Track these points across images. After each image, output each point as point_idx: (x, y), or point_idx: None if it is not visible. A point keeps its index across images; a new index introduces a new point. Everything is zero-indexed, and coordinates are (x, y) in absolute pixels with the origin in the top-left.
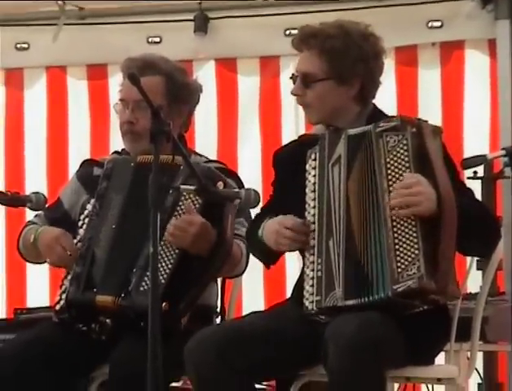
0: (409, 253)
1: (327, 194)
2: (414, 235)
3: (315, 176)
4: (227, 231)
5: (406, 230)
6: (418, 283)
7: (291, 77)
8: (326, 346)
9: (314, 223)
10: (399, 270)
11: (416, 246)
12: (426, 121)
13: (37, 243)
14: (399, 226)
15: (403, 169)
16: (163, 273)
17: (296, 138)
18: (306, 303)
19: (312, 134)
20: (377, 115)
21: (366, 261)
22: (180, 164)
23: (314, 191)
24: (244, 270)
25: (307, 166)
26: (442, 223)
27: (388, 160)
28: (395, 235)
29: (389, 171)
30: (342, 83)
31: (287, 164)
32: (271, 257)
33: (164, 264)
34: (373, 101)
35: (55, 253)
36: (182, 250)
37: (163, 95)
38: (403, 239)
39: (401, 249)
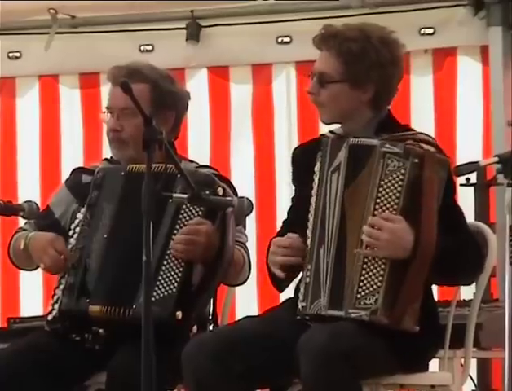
0: (372, 283)
1: (323, 200)
2: (383, 266)
3: (317, 180)
4: (229, 237)
5: (377, 259)
6: (369, 317)
7: (310, 75)
8: (298, 358)
9: (310, 230)
10: (358, 295)
11: (380, 278)
12: (435, 152)
13: (28, 249)
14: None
15: (393, 197)
16: (173, 282)
17: (288, 145)
18: (299, 306)
19: (333, 133)
20: (390, 123)
21: (350, 275)
22: (176, 173)
23: (315, 195)
24: (248, 276)
25: (315, 168)
26: (410, 265)
27: (382, 183)
28: (365, 259)
29: (379, 194)
30: (356, 87)
31: (302, 161)
32: (278, 282)
33: (173, 272)
34: (388, 107)
35: (48, 257)
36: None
37: (148, 102)
38: (371, 267)
39: (366, 276)
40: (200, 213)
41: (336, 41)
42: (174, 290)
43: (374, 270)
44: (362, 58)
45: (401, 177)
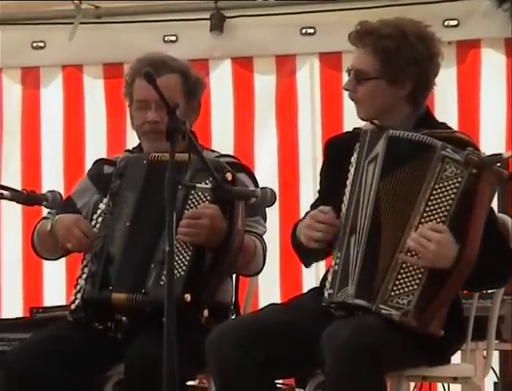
0: (408, 283)
1: (358, 190)
2: (422, 270)
3: (353, 170)
4: (237, 221)
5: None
6: (400, 318)
7: (347, 71)
8: (322, 351)
9: (343, 217)
10: (392, 293)
11: (418, 281)
12: (493, 162)
13: (54, 231)
14: (413, 253)
15: (446, 203)
16: (181, 265)
17: (312, 136)
18: (325, 294)
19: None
20: (428, 120)
21: (381, 266)
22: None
23: (350, 184)
24: (262, 269)
25: (352, 159)
26: (451, 275)
27: (437, 187)
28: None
29: (431, 197)
30: (393, 83)
31: (336, 153)
32: (307, 256)
33: (181, 256)
34: (425, 103)
35: (74, 237)
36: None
37: (181, 92)
38: (410, 268)
39: (404, 275)
40: (208, 197)
41: (372, 38)
42: (183, 273)
43: (413, 272)
44: (398, 55)
45: (457, 184)
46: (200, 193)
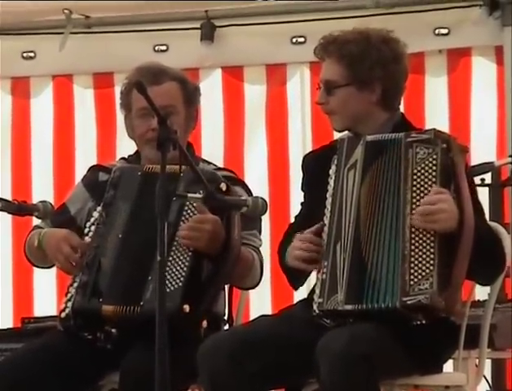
0: (424, 268)
1: (340, 198)
2: (432, 250)
3: (333, 180)
4: (234, 232)
5: (424, 244)
6: (430, 300)
7: (317, 88)
8: (317, 360)
9: (326, 227)
10: (412, 282)
11: (431, 262)
12: (455, 138)
13: (42, 247)
14: (417, 238)
15: (430, 183)
16: (179, 276)
17: (302, 146)
18: (314, 306)
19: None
20: (405, 124)
21: (373, 268)
22: (181, 171)
23: (331, 195)
24: (259, 282)
25: (330, 171)
26: (459, 243)
27: (415, 171)
28: (412, 247)
29: (414, 183)
30: (363, 88)
31: (314, 167)
32: (295, 278)
33: (178, 267)
34: (401, 111)
35: (62, 255)
36: (194, 252)
37: (182, 101)
38: (420, 253)
39: (416, 262)
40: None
41: (336, 46)
42: (181, 284)
43: (424, 255)
44: (363, 58)
45: (434, 162)
46: (195, 205)
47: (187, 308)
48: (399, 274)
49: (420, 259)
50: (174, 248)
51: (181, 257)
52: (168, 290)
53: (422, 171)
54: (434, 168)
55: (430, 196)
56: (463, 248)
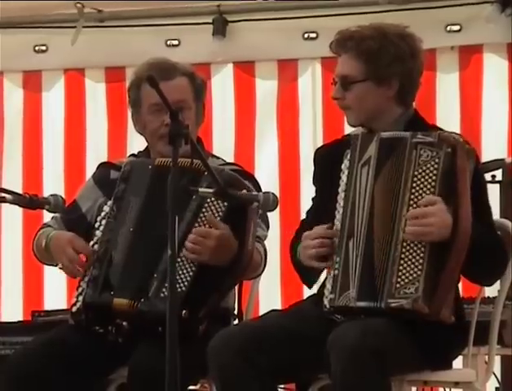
0: (412, 272)
1: (353, 194)
2: (421, 255)
3: (346, 175)
4: (249, 241)
5: (415, 248)
6: (412, 305)
7: (332, 83)
8: (328, 354)
9: (339, 222)
10: (398, 285)
11: (420, 266)
12: (464, 141)
13: (49, 248)
14: (409, 241)
15: (429, 186)
16: (184, 281)
17: (313, 142)
18: (325, 301)
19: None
20: (418, 121)
21: (381, 266)
22: (203, 169)
23: (344, 190)
24: (263, 270)
25: (343, 165)
26: (451, 250)
27: (416, 173)
28: (403, 249)
29: (414, 185)
30: (381, 83)
31: (326, 161)
32: (309, 276)
33: (185, 271)
34: (414, 107)
35: (66, 257)
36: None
37: (192, 96)
38: (410, 256)
39: (405, 265)
40: (223, 208)
41: (353, 42)
42: (184, 289)
43: (413, 260)
44: (382, 53)
45: (435, 166)
46: (213, 207)
47: (185, 313)
48: (389, 275)
49: (409, 262)
50: (183, 249)
51: (187, 262)
52: None
53: (423, 174)
54: (435, 172)
55: (417, 210)
56: (455, 255)
